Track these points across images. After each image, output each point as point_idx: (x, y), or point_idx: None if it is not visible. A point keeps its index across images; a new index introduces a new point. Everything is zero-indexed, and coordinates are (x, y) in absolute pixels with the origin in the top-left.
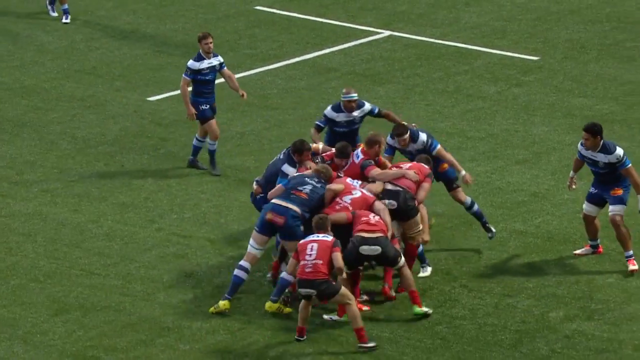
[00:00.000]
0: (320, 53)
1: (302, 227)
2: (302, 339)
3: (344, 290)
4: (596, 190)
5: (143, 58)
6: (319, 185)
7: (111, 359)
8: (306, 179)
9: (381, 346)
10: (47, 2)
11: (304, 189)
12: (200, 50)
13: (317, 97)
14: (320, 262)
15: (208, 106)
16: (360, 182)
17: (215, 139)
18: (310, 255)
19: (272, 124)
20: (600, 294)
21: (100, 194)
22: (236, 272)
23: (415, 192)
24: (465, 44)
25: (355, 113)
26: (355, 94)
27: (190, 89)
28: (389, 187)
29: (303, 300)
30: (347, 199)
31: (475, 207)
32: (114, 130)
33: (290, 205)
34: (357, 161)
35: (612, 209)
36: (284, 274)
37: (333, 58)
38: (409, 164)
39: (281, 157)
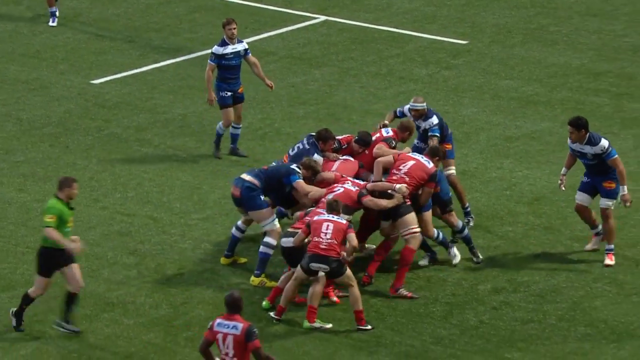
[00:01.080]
0: (259, 37)
1: (262, 197)
2: (279, 319)
3: (349, 272)
4: (588, 180)
5: (86, 42)
6: (288, 167)
7: (57, 333)
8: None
9: (318, 319)
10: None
11: (270, 164)
12: (224, 36)
13: (256, 79)
14: (335, 242)
15: (230, 93)
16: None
17: (227, 126)
18: (326, 234)
19: (212, 107)
20: (526, 267)
21: (45, 174)
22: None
23: (413, 188)
24: (397, 28)
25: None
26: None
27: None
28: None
29: (293, 282)
30: (329, 197)
31: (466, 231)
32: (58, 112)
33: (246, 177)
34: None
35: (603, 201)
36: (262, 248)
37: (271, 42)
38: (412, 162)
39: (307, 146)
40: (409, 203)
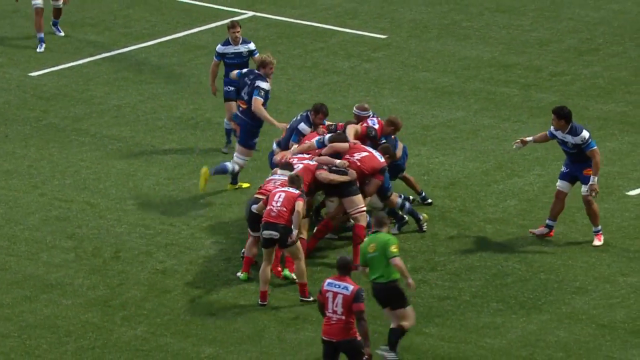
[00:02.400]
0: (190, 32)
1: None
2: (265, 303)
3: (299, 244)
4: (568, 170)
5: (24, 36)
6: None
7: None
8: None
9: (254, 301)
10: (52, 24)
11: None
12: (229, 37)
13: (187, 72)
14: (285, 209)
15: (233, 88)
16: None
17: (229, 119)
18: (277, 202)
19: (146, 97)
20: (442, 247)
21: None
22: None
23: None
24: (321, 23)
25: None
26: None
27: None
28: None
29: (264, 263)
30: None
31: (407, 205)
32: None
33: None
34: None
35: (584, 188)
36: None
37: (201, 37)
38: (365, 153)
39: (298, 118)
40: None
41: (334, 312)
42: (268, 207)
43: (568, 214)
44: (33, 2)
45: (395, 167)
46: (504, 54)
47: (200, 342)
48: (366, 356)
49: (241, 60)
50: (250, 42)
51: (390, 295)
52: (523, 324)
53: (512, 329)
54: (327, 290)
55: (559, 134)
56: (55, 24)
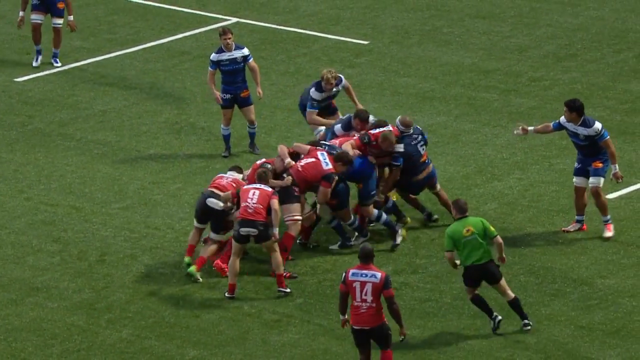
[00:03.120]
0: (174, 38)
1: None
2: (233, 296)
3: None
4: (580, 165)
5: (10, 42)
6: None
7: None
8: None
9: (236, 300)
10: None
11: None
12: (221, 44)
13: (171, 77)
14: (261, 206)
15: (229, 96)
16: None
17: (226, 125)
18: (252, 199)
19: (131, 102)
20: (424, 250)
21: None
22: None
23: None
24: (304, 29)
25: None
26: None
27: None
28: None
29: (233, 256)
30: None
31: (384, 217)
32: None
33: None
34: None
35: (592, 180)
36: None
37: (185, 42)
38: (312, 160)
39: (340, 119)
40: (297, 193)
41: (363, 300)
42: (243, 204)
43: (547, 217)
44: (31, 17)
45: (414, 183)
46: (484, 59)
47: (184, 344)
48: (402, 336)
49: (236, 66)
50: (243, 48)
51: (489, 273)
52: (503, 325)
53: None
54: (354, 280)
55: (570, 125)
56: (55, 55)
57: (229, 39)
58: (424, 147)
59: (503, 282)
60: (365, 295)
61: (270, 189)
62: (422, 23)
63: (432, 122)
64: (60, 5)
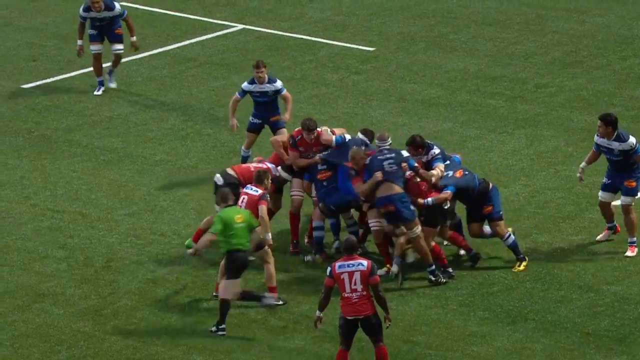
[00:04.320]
0: (180, 45)
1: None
2: (218, 295)
3: (268, 249)
4: (610, 181)
5: (17, 49)
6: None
7: None
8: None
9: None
10: (107, 74)
11: None
12: (254, 76)
13: (177, 84)
14: (249, 212)
15: (259, 121)
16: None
17: (247, 148)
18: (241, 206)
19: (137, 108)
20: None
21: None
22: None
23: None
24: (309, 36)
25: None
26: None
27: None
28: None
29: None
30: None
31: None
32: None
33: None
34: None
35: (624, 199)
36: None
37: (192, 49)
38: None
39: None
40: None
41: (353, 290)
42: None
43: (554, 224)
44: (91, 47)
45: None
46: (490, 66)
47: (190, 350)
48: (388, 322)
49: (267, 98)
50: (276, 81)
51: None
52: (509, 332)
53: (498, 337)
54: (341, 272)
55: (603, 141)
56: (110, 72)
57: (262, 72)
58: (394, 166)
59: None
60: (355, 284)
61: (257, 193)
62: (428, 30)
63: (438, 129)
64: (118, 31)
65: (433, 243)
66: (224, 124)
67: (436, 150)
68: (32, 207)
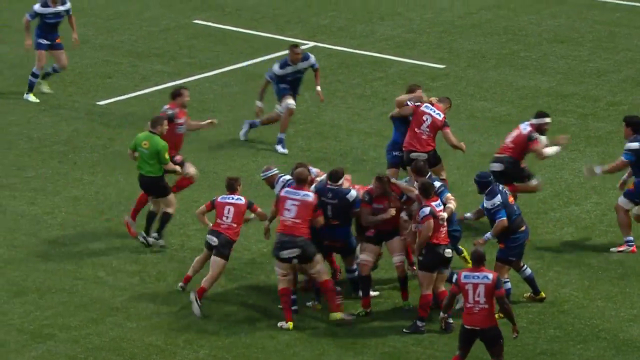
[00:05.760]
0: (252, 62)
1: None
2: (185, 286)
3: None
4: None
5: (93, 66)
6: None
7: (65, 336)
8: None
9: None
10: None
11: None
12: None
13: (249, 100)
14: (235, 225)
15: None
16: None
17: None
18: (227, 217)
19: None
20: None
21: (54, 189)
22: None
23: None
24: (380, 53)
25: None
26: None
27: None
28: None
29: (201, 255)
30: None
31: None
32: (66, 131)
33: None
34: None
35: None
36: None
37: (264, 66)
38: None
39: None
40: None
41: (476, 302)
42: (218, 220)
43: (620, 241)
44: (287, 103)
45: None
46: (562, 83)
47: None
48: (515, 333)
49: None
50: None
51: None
52: (580, 350)
53: (570, 356)
54: (466, 283)
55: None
56: (280, 141)
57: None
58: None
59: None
60: (478, 296)
61: (243, 201)
62: (499, 47)
63: None
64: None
65: (442, 288)
66: (293, 141)
67: (437, 183)
68: (106, 222)
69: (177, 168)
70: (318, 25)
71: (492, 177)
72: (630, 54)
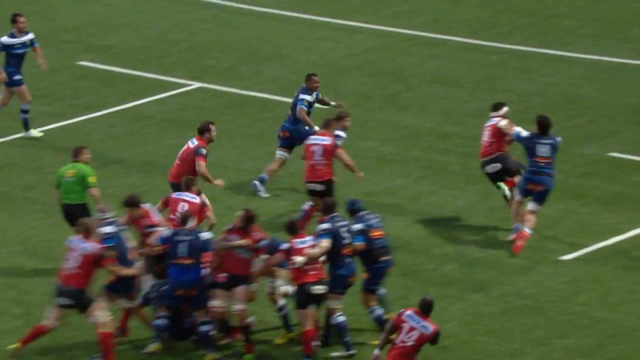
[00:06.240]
0: (138, 103)
1: None
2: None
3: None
4: None
5: None
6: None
7: None
8: None
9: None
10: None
11: None
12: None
13: (136, 141)
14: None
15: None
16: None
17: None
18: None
19: (95, 166)
20: (453, 289)
21: None
22: None
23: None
24: (266, 94)
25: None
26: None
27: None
28: None
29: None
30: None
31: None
32: None
33: None
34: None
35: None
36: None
37: (149, 107)
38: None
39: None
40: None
41: (403, 342)
42: (171, 216)
43: (506, 277)
44: (278, 153)
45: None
46: (443, 123)
47: None
48: None
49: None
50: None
51: None
52: None
53: None
54: (405, 321)
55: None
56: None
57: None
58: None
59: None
60: (409, 338)
61: (197, 200)
62: (383, 88)
63: (391, 185)
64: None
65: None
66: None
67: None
68: None
69: (209, 177)
70: (204, 66)
71: (362, 204)
72: (508, 94)
